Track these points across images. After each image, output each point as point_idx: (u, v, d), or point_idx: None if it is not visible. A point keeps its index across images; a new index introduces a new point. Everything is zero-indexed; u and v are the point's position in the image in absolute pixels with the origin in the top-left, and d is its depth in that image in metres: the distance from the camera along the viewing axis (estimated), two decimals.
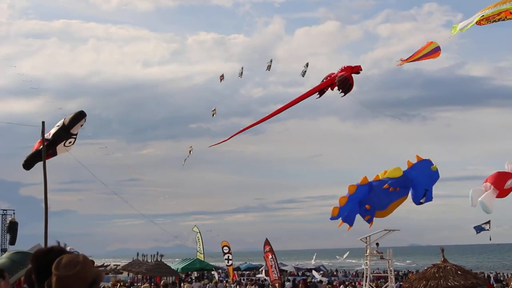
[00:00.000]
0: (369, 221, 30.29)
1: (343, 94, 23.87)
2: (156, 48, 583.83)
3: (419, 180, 29.27)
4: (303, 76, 36.64)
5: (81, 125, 19.82)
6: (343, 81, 23.48)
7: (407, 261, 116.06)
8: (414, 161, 29.84)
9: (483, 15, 19.27)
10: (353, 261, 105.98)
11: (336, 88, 24.18)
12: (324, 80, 24.31)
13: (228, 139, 27.21)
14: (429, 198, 29.37)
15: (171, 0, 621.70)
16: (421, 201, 29.33)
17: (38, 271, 4.12)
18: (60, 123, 19.89)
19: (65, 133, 19.57)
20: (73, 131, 19.61)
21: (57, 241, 4.50)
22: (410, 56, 24.93)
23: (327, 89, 24.41)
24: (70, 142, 19.84)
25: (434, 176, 29.51)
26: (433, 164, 29.48)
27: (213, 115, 40.91)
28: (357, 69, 24.03)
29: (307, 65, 37.91)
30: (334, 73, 24.23)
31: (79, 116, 19.62)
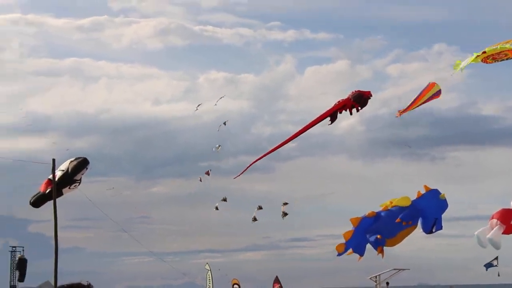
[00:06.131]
0: (381, 250, 30.09)
1: (359, 108, 23.46)
2: (167, 87, 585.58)
3: (428, 209, 29.03)
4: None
5: (83, 174, 20.44)
6: (358, 96, 23.19)
7: None
8: (423, 191, 29.81)
9: (484, 51, 19.45)
10: None
11: (349, 110, 23.85)
12: (337, 103, 23.87)
13: (249, 166, 27.03)
14: (439, 227, 28.82)
15: (180, 40, 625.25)
16: (432, 230, 29.00)
17: None
18: (64, 167, 20.39)
19: (69, 179, 20.16)
20: (77, 178, 20.23)
21: (88, 282, 4.66)
22: (413, 103, 24.92)
23: (340, 112, 23.96)
24: (74, 186, 20.49)
25: (443, 204, 29.23)
26: (441, 193, 29.49)
27: (217, 148, 41.78)
28: (367, 94, 23.67)
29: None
30: (343, 98, 23.75)
31: (82, 165, 20.30)
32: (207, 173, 41.59)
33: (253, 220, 41.11)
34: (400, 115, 25.01)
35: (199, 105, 42.20)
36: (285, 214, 39.65)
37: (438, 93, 25.40)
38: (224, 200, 42.56)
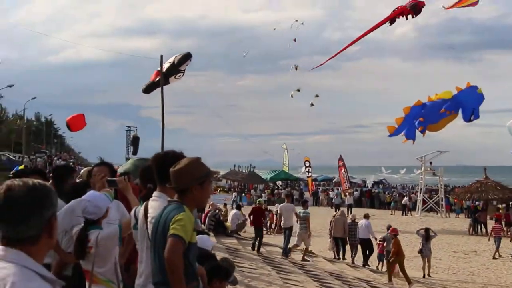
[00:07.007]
0: (423, 131, 33.84)
1: (414, 16, 25.15)
2: None
3: (467, 101, 31.98)
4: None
5: (187, 65, 22.53)
6: (414, 6, 24.90)
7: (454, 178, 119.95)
8: (464, 87, 32.98)
9: None
10: (407, 177, 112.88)
11: (405, 16, 25.46)
12: (396, 10, 25.71)
13: (326, 62, 30.87)
14: (477, 116, 32.31)
15: None
16: (470, 118, 32.10)
17: (157, 169, 4.84)
18: (171, 59, 22.31)
19: (175, 69, 22.20)
20: (181, 68, 22.30)
21: (180, 151, 4.95)
22: (454, 5, 27.13)
23: (398, 17, 25.46)
24: (179, 76, 22.61)
25: (480, 97, 32.40)
26: (478, 88, 32.47)
27: (294, 40, 46.98)
28: (422, 4, 25.30)
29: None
30: (401, 5, 25.67)
31: (186, 57, 22.28)
32: (296, 68, 46.91)
33: (310, 105, 47.35)
34: (447, 9, 27.07)
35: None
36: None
37: (475, 3, 27.84)
38: (298, 90, 48.22)
